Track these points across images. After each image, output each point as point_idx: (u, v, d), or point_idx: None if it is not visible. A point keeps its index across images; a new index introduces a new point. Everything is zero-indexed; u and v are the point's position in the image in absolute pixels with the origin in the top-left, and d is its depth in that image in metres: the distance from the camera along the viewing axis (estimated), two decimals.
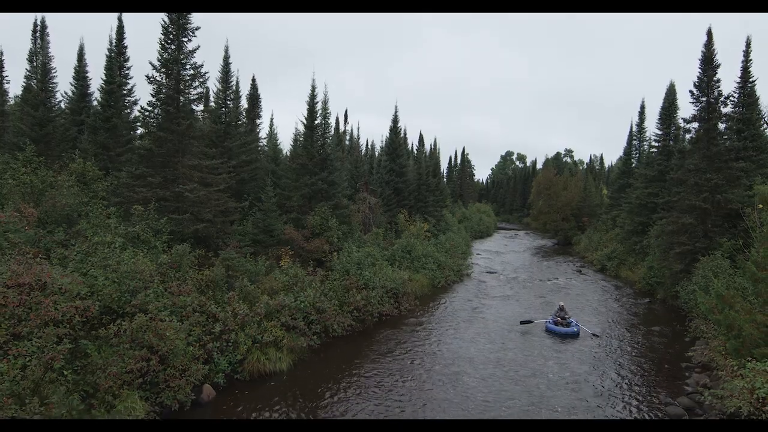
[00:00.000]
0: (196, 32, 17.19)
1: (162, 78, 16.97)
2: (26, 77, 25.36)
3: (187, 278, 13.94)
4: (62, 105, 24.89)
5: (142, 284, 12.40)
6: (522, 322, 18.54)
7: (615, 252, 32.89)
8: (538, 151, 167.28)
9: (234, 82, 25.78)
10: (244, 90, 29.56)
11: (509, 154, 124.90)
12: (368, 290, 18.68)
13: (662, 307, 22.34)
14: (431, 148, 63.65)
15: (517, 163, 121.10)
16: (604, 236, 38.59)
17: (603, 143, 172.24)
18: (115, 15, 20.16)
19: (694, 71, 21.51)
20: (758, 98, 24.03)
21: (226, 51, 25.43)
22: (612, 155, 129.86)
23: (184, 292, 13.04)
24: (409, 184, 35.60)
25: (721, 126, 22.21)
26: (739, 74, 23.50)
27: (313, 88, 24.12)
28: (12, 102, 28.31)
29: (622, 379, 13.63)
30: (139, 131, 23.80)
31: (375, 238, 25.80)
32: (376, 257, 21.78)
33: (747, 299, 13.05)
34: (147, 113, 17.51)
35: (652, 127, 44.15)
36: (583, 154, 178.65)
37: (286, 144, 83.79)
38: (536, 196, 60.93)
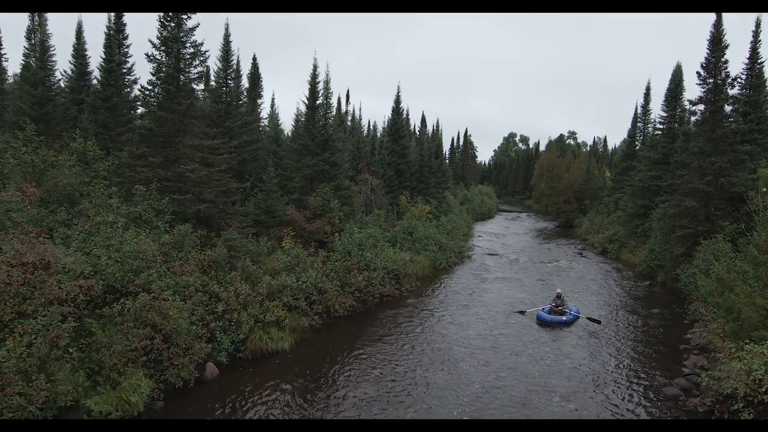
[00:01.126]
0: None
1: (162, 56, 16.75)
2: (24, 55, 25.08)
3: (189, 258, 14.02)
4: (62, 84, 24.66)
5: (145, 264, 12.49)
6: (517, 312, 18.11)
7: (616, 235, 32.90)
8: (541, 132, 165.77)
9: (234, 61, 25.46)
10: (245, 69, 29.21)
11: (512, 135, 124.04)
12: (369, 271, 18.78)
13: (662, 290, 22.45)
14: (434, 129, 63.25)
15: (520, 145, 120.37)
16: (606, 219, 38.56)
17: (607, 125, 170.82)
18: None
19: (702, 52, 21.17)
20: (766, 80, 23.68)
21: (227, 29, 25.06)
22: (616, 137, 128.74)
23: (186, 272, 13.13)
24: (411, 165, 35.45)
25: (728, 108, 21.94)
26: (748, 55, 23.12)
27: (315, 67, 23.83)
28: (11, 80, 28.05)
29: (620, 361, 13.78)
30: (139, 111, 23.63)
31: (376, 219, 25.82)
32: (377, 238, 21.84)
33: (747, 283, 13.08)
34: (147, 92, 17.35)
35: (657, 109, 43.60)
36: (586, 136, 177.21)
37: (287, 124, 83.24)
38: (538, 179, 60.71)
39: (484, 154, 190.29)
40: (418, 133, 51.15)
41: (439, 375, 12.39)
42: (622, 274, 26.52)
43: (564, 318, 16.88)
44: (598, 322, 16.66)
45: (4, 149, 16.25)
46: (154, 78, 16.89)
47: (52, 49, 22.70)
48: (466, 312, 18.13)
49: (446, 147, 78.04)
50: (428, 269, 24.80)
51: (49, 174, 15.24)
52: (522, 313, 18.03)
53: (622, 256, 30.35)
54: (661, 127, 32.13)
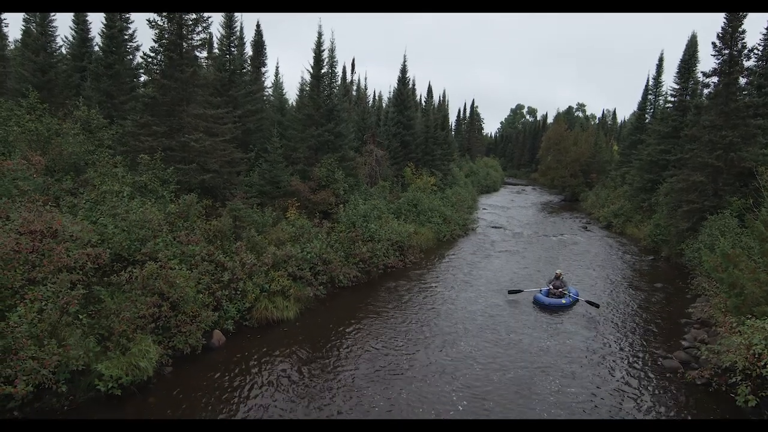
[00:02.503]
0: None
1: (164, 22, 16.42)
2: (25, 20, 24.64)
3: (195, 228, 14.12)
4: (63, 50, 24.32)
5: (151, 233, 12.60)
6: (510, 292, 16.93)
7: (622, 209, 32.74)
8: (549, 104, 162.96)
9: (238, 28, 24.89)
10: (249, 36, 28.65)
11: (519, 107, 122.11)
12: (374, 243, 18.88)
13: (666, 265, 22.48)
14: (440, 100, 62.27)
15: (528, 117, 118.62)
16: (612, 193, 38.30)
17: (617, 98, 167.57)
18: None
19: (720, 21, 20.51)
20: None
21: None
22: (626, 110, 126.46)
23: (192, 242, 13.25)
24: (416, 136, 35.08)
25: (742, 81, 21.39)
26: (766, 25, 22.40)
27: (320, 35, 23.32)
28: (12, 47, 27.67)
29: (621, 335, 13.93)
30: (142, 79, 23.35)
31: (381, 191, 25.77)
32: (382, 210, 21.85)
33: (752, 258, 13.07)
34: (149, 60, 17.09)
35: (669, 81, 42.55)
36: (595, 109, 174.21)
37: (292, 94, 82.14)
38: (545, 151, 60.07)
39: (491, 126, 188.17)
40: (424, 103, 50.43)
41: (439, 353, 12.25)
42: (626, 248, 26.53)
43: (563, 301, 15.90)
44: (597, 306, 15.62)
45: (8, 117, 16.18)
46: (156, 45, 16.60)
47: (52, 14, 22.29)
48: (467, 287, 18.14)
49: (452, 118, 77.11)
50: (432, 241, 24.89)
51: (54, 142, 15.22)
52: (518, 292, 16.93)
53: (627, 231, 30.29)
54: (673, 99, 31.45)
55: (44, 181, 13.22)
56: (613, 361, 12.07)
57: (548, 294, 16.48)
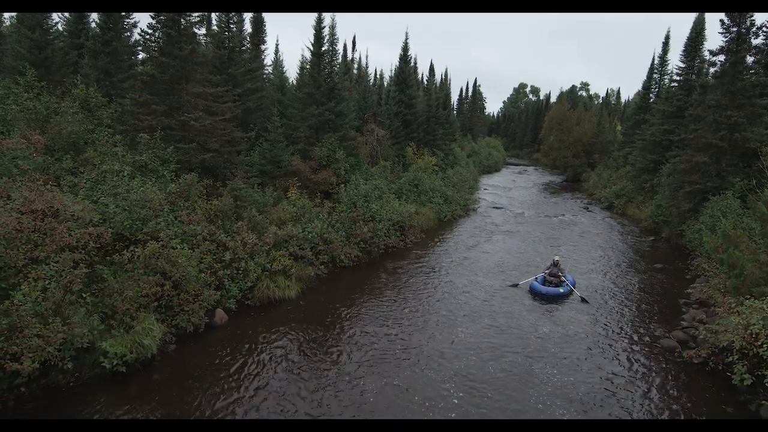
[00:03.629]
0: None
1: None
2: None
3: (196, 208, 14.12)
4: (59, 27, 23.91)
5: (152, 213, 12.60)
6: (510, 285, 16.15)
7: (624, 190, 32.64)
8: (553, 83, 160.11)
9: None
10: (248, 13, 28.07)
11: (522, 86, 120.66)
12: (375, 222, 18.90)
13: (666, 246, 22.52)
14: (442, 78, 61.51)
15: (531, 96, 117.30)
16: (614, 174, 38.12)
17: (621, 77, 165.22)
18: None
19: None
20: None
21: None
22: (630, 90, 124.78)
23: (193, 221, 13.27)
24: (418, 116, 34.74)
25: (750, 60, 21.03)
26: None
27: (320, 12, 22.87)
28: (8, 23, 27.21)
29: (620, 315, 14.04)
30: (140, 56, 23.00)
31: (382, 170, 25.67)
32: (383, 190, 21.81)
33: (753, 239, 13.07)
34: (147, 36, 16.82)
35: (675, 60, 41.88)
36: (599, 88, 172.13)
37: (292, 72, 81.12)
38: (548, 131, 59.56)
39: (493, 106, 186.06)
40: (426, 82, 49.75)
41: (436, 340, 11.91)
42: (626, 229, 26.54)
43: (561, 290, 15.12)
44: (586, 302, 14.77)
45: (6, 95, 16.03)
46: (154, 21, 16.32)
47: None
48: (467, 269, 18.01)
49: (454, 97, 76.30)
50: (433, 221, 24.91)
51: (53, 121, 15.10)
52: (515, 285, 16.13)
53: (628, 212, 30.26)
54: (678, 78, 31.01)
55: (44, 161, 13.17)
56: (611, 341, 12.18)
57: (544, 282, 15.79)
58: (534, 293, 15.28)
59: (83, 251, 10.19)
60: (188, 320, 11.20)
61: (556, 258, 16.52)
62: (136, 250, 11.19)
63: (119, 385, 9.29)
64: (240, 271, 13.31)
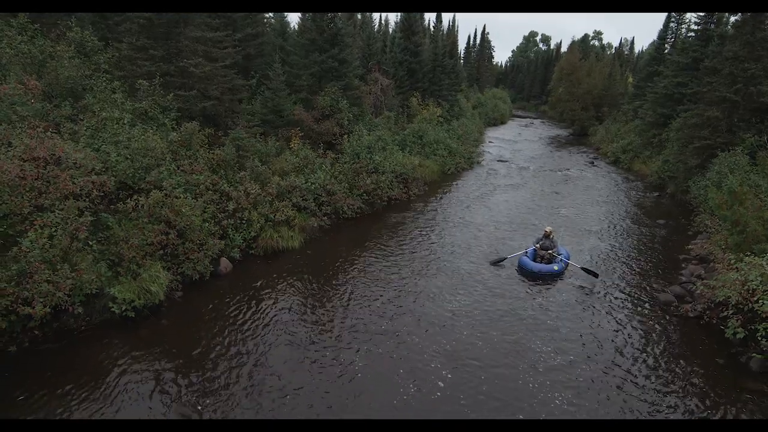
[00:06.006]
0: None
1: None
2: None
3: (198, 157, 14.02)
4: None
5: (155, 161, 12.54)
6: (492, 263, 14.03)
7: (631, 144, 32.12)
8: (564, 32, 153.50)
9: None
10: None
11: (533, 35, 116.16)
12: (378, 174, 18.80)
13: (671, 202, 22.44)
14: (449, 25, 59.31)
15: (541, 45, 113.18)
16: (623, 128, 37.38)
17: (637, 26, 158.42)
18: None
19: None
20: None
21: None
22: (644, 40, 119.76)
23: (196, 171, 13.23)
24: (423, 65, 33.66)
25: None
26: None
27: None
28: None
29: (619, 269, 14.20)
30: None
31: (386, 121, 25.22)
32: (386, 141, 21.53)
33: (758, 196, 12.99)
34: None
35: None
36: (612, 37, 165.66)
37: (294, 16, 78.10)
38: (557, 83, 57.91)
39: (502, 55, 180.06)
40: (432, 29, 47.94)
41: (433, 306, 11.39)
42: (631, 184, 26.36)
43: (555, 268, 13.29)
44: (596, 275, 13.14)
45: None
46: None
47: None
48: (468, 225, 17.79)
49: (462, 46, 73.66)
50: (437, 174, 24.77)
51: (49, 66, 14.68)
52: (501, 260, 14.15)
53: (634, 167, 29.93)
54: (696, 28, 29.67)
55: (42, 107, 12.94)
56: (608, 296, 12.35)
57: (535, 257, 13.97)
58: (523, 271, 13.42)
59: (87, 200, 10.22)
60: (193, 268, 11.40)
61: (548, 228, 14.40)
62: (140, 199, 11.22)
63: (129, 329, 9.60)
64: (243, 221, 13.41)
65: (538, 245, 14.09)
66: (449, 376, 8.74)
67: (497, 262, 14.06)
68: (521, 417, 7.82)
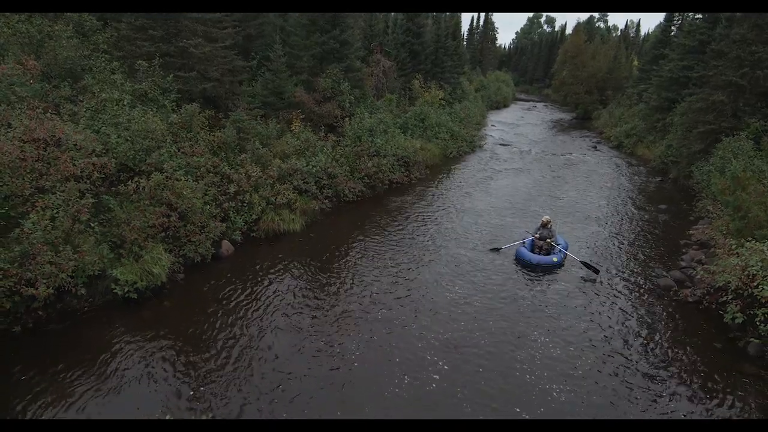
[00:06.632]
0: None
1: None
2: None
3: (198, 139, 13.95)
4: None
5: (155, 144, 12.49)
6: (491, 250, 13.85)
7: (635, 129, 31.86)
8: (569, 14, 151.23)
9: None
10: None
11: (537, 16, 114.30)
12: (379, 158, 18.73)
13: (673, 187, 22.36)
14: None
15: (545, 27, 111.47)
16: (627, 112, 37.02)
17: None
18: None
19: None
20: None
21: None
22: (650, 23, 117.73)
23: (197, 153, 13.18)
24: (426, 46, 33.22)
25: None
26: None
27: None
28: None
29: (619, 254, 14.22)
30: None
31: (388, 104, 25.01)
32: (388, 124, 21.38)
33: (762, 182, 12.93)
34: None
35: None
36: (618, 19, 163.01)
37: None
38: (561, 65, 57.13)
39: (506, 37, 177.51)
40: None
41: (431, 294, 11.24)
42: (634, 169, 26.23)
43: (555, 259, 12.86)
44: (597, 272, 12.53)
45: None
46: None
47: None
48: (467, 213, 17.54)
49: (465, 27, 72.66)
50: (438, 157, 24.65)
51: (47, 46, 14.52)
52: (497, 250, 13.91)
53: (637, 152, 29.74)
54: None
55: (41, 88, 12.84)
56: (607, 280, 12.34)
57: (533, 248, 13.48)
58: (521, 262, 12.97)
59: (88, 181, 10.21)
60: (195, 251, 11.44)
61: (546, 218, 13.74)
62: (141, 181, 11.20)
63: (132, 310, 9.68)
64: (245, 204, 13.41)
65: (536, 235, 13.58)
66: (446, 367, 8.63)
67: (494, 250, 13.83)
68: (518, 409, 7.71)
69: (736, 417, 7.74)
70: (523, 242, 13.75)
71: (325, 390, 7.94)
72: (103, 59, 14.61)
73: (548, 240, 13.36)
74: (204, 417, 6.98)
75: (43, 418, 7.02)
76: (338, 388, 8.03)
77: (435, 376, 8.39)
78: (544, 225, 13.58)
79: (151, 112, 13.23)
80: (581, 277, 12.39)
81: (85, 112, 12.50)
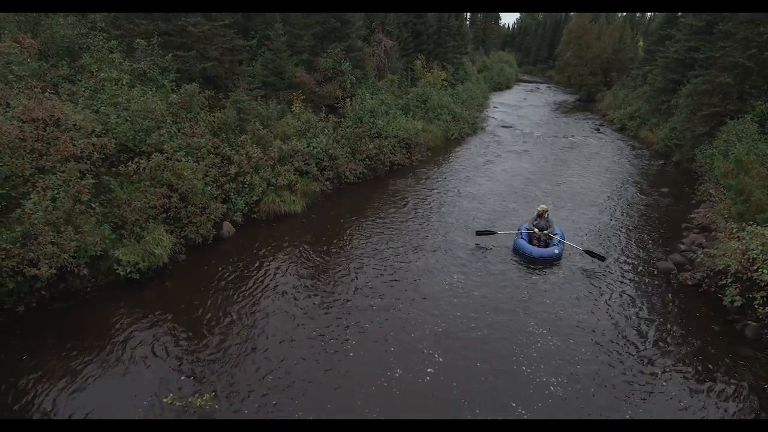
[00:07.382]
0: None
1: None
2: None
3: (199, 120, 13.85)
4: None
5: (155, 124, 12.41)
6: (478, 233, 13.17)
7: (638, 111, 31.54)
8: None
9: None
10: None
11: None
12: (381, 139, 18.61)
13: (676, 170, 22.25)
14: None
15: None
16: (631, 93, 36.60)
17: None
18: None
19: None
20: None
21: None
22: None
23: (197, 134, 13.10)
24: (428, 26, 32.67)
25: None
26: None
27: None
28: None
29: (619, 237, 14.23)
30: None
31: (390, 85, 24.74)
32: (390, 105, 21.19)
33: (765, 165, 12.85)
34: None
35: None
36: None
37: None
38: (565, 46, 56.24)
39: (510, 17, 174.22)
40: None
41: (429, 282, 11.09)
42: (637, 152, 26.07)
43: (556, 251, 12.21)
44: (602, 259, 12.07)
45: None
46: None
47: None
48: (468, 198, 17.20)
49: None
50: (440, 139, 24.50)
51: (44, 24, 14.32)
52: (489, 233, 13.23)
53: (641, 134, 29.49)
54: None
55: (39, 67, 12.70)
56: (607, 263, 12.28)
57: (530, 239, 12.73)
58: (521, 255, 12.37)
59: (88, 162, 10.18)
60: (196, 232, 11.47)
61: (542, 207, 13.08)
62: (141, 161, 11.17)
63: (134, 290, 9.76)
64: (245, 185, 13.38)
65: (534, 224, 12.89)
66: (440, 359, 8.43)
67: (483, 233, 13.13)
68: (514, 404, 7.51)
69: (731, 399, 7.84)
70: (520, 233, 12.90)
71: (318, 376, 7.99)
72: (100, 38, 14.40)
73: (546, 231, 12.75)
74: (205, 397, 7.07)
75: (47, 395, 7.13)
76: (334, 377, 7.97)
77: (429, 369, 8.17)
78: (541, 215, 12.92)
79: (150, 92, 13.12)
80: (580, 259, 12.41)
81: (84, 91, 12.39)
